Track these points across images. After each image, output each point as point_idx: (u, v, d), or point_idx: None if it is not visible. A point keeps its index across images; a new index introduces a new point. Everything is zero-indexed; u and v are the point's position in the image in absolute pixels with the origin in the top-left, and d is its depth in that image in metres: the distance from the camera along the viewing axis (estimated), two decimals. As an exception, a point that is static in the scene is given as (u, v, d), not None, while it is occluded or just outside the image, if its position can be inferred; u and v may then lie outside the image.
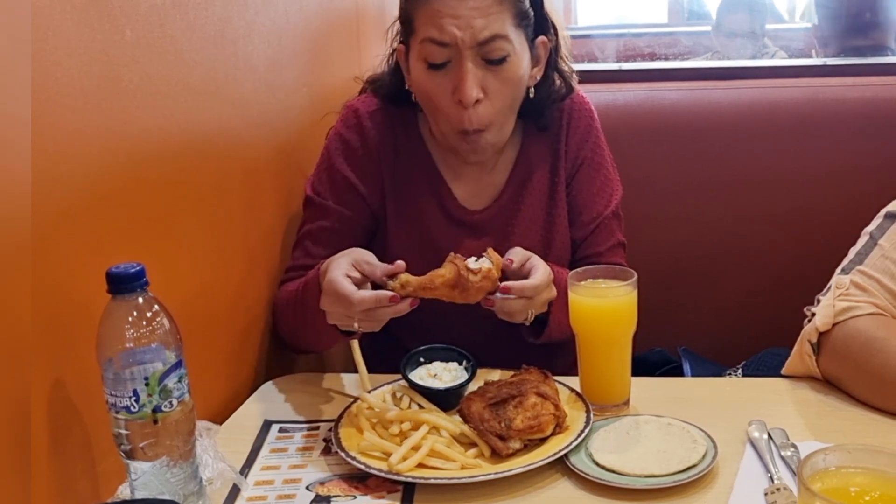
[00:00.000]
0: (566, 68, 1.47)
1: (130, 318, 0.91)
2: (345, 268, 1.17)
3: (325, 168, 1.46)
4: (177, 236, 1.19)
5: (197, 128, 1.24)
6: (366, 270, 1.17)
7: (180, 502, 0.96)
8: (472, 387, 1.20)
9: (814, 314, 1.28)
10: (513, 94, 1.35)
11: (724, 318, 1.87)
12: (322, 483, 1.09)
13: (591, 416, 1.16)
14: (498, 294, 1.19)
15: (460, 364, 1.27)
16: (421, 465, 1.08)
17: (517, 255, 1.25)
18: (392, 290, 1.13)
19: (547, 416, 1.11)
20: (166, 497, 0.95)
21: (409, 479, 1.06)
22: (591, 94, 1.55)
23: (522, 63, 1.35)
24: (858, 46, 2.36)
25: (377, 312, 1.15)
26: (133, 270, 0.91)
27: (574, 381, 1.26)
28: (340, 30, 1.82)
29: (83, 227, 0.98)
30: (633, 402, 1.25)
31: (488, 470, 1.07)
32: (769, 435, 1.12)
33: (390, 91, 1.47)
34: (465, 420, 1.13)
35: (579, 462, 1.08)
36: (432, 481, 1.05)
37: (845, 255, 1.35)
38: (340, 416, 1.20)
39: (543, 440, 1.12)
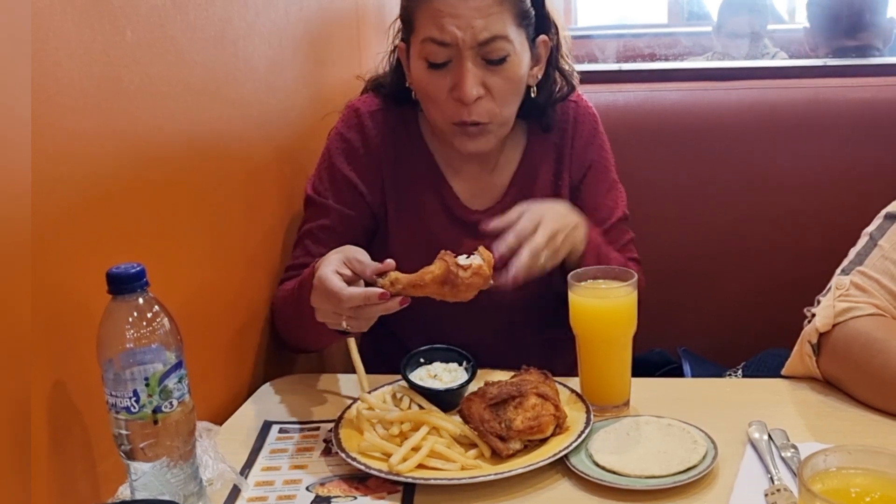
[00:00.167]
0: (567, 67, 1.47)
1: (131, 319, 0.91)
2: (335, 265, 1.16)
3: (326, 167, 1.46)
4: (177, 237, 1.19)
5: (197, 128, 1.24)
6: (357, 268, 1.17)
7: (180, 503, 0.96)
8: (473, 387, 1.20)
9: (814, 315, 1.28)
10: (513, 92, 1.36)
11: (724, 319, 1.87)
12: (322, 484, 1.09)
13: (592, 416, 1.16)
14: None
15: (460, 364, 1.27)
16: (421, 466, 1.08)
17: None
18: (382, 288, 1.13)
19: (547, 416, 1.11)
20: (166, 498, 0.95)
21: (410, 480, 1.06)
22: (591, 95, 1.56)
23: (523, 63, 1.35)
24: (846, 47, 2.38)
25: (366, 310, 1.14)
26: (133, 271, 0.91)
27: (574, 382, 1.26)
28: (340, 30, 1.82)
29: (83, 228, 0.98)
30: (633, 403, 1.25)
31: (488, 471, 1.07)
32: (769, 436, 1.12)
33: (392, 89, 1.47)
34: (466, 421, 1.13)
35: (579, 463, 1.08)
36: (432, 482, 1.05)
37: (845, 255, 1.35)
38: (340, 417, 1.20)
39: (544, 441, 1.12)
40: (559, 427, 1.13)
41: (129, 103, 1.06)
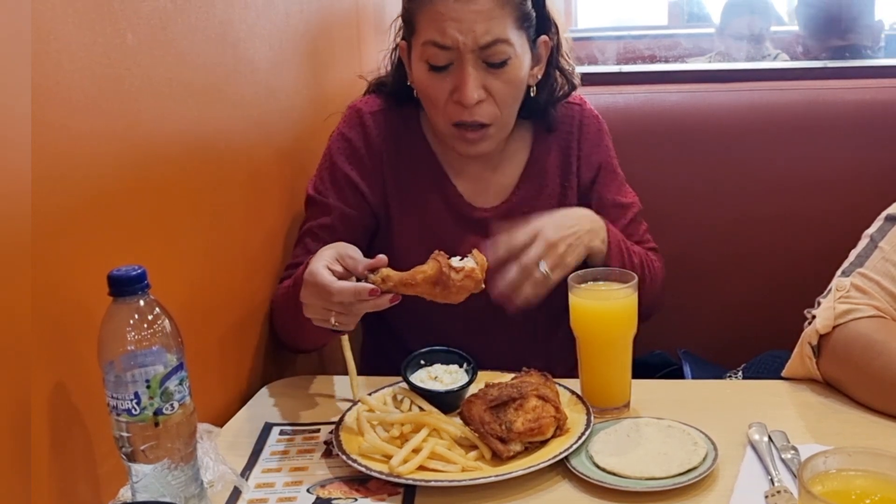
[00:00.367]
0: (567, 66, 1.47)
1: (132, 321, 0.91)
2: (327, 260, 1.16)
3: (327, 167, 1.46)
4: (178, 239, 1.19)
5: (198, 130, 1.24)
6: (349, 265, 1.16)
7: (181, 505, 0.96)
8: (473, 389, 1.20)
9: (814, 316, 1.28)
10: (514, 94, 1.36)
11: (725, 321, 1.87)
12: (323, 485, 1.09)
13: (592, 418, 1.16)
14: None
15: (461, 366, 1.27)
16: (422, 468, 1.08)
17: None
18: (373, 284, 1.13)
19: (547, 418, 1.11)
20: (167, 500, 0.94)
21: (410, 482, 1.06)
22: (592, 97, 1.56)
23: (524, 65, 1.35)
24: (836, 47, 2.39)
25: (355, 306, 1.14)
26: (134, 273, 0.91)
27: (575, 384, 1.26)
28: (340, 31, 1.83)
29: (84, 230, 0.98)
30: (633, 405, 1.25)
31: (489, 472, 1.07)
32: (769, 437, 1.12)
33: (393, 87, 1.47)
34: (466, 422, 1.13)
35: (580, 464, 1.08)
36: (433, 484, 1.05)
37: (845, 257, 1.35)
38: (341, 419, 1.20)
39: (544, 442, 1.12)
40: (559, 429, 1.13)
41: (129, 104, 1.06)
